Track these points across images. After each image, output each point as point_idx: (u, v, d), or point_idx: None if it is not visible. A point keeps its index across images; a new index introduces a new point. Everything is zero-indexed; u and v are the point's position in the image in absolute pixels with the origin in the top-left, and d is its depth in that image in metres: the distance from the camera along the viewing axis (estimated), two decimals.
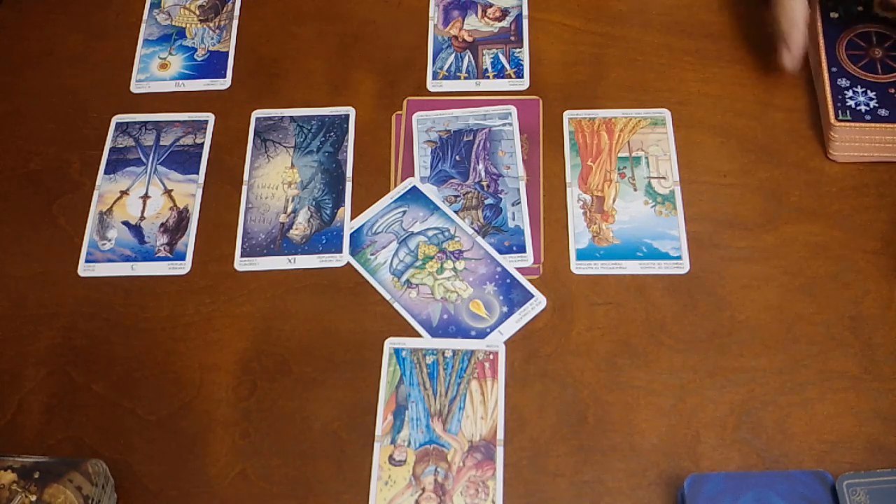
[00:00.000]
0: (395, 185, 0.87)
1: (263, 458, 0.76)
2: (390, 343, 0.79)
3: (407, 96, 0.92)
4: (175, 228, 0.86)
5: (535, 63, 0.93)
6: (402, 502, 0.73)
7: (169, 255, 0.85)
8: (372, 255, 0.84)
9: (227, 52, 0.96)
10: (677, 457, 0.74)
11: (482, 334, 0.79)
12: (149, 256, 0.85)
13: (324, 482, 0.74)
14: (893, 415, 0.74)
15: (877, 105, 0.84)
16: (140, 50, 0.97)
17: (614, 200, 0.85)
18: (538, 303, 0.80)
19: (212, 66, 0.95)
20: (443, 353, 0.78)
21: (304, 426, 0.77)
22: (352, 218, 0.86)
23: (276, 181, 0.88)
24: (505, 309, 0.80)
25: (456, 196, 0.86)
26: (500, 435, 0.75)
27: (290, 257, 0.84)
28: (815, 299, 0.79)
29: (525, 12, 0.96)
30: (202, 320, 0.82)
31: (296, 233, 0.85)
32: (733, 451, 0.73)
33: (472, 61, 0.93)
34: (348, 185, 0.87)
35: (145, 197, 0.88)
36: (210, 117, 0.92)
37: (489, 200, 0.85)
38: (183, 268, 0.84)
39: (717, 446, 0.74)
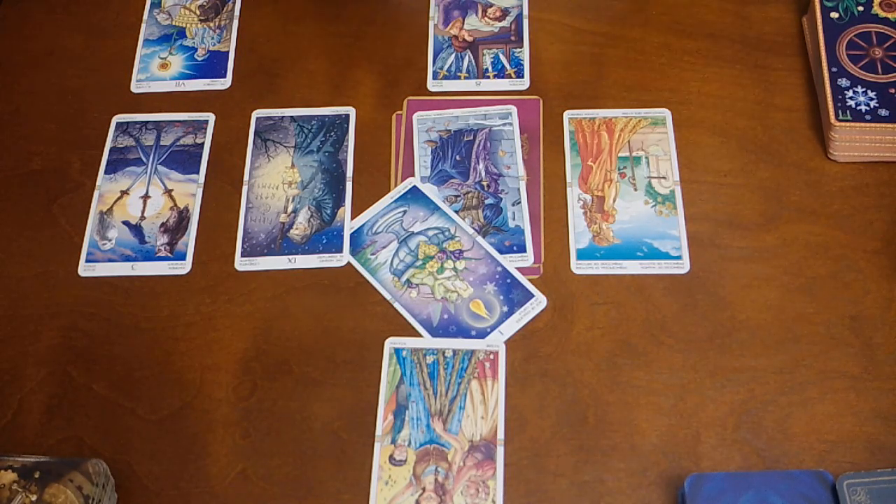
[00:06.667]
0: (396, 185, 0.87)
1: (263, 458, 0.76)
2: (390, 343, 0.79)
3: (407, 96, 0.92)
4: (175, 228, 0.86)
5: (535, 63, 0.93)
6: (403, 502, 0.73)
7: (169, 254, 0.85)
8: (372, 254, 0.84)
9: (227, 52, 0.96)
10: (678, 456, 0.74)
11: (482, 334, 0.79)
12: (149, 256, 0.85)
13: (324, 482, 0.74)
14: (893, 415, 0.74)
15: (877, 105, 0.84)
16: (140, 50, 0.97)
17: (615, 200, 0.85)
18: (538, 303, 0.80)
19: (212, 65, 0.95)
20: (443, 353, 0.78)
21: (305, 426, 0.77)
22: (352, 218, 0.86)
23: (276, 181, 0.88)
24: (505, 309, 0.80)
25: (456, 196, 0.86)
26: (501, 435, 0.75)
27: (290, 257, 0.84)
28: (815, 299, 0.79)
29: (525, 12, 0.96)
30: (202, 320, 0.82)
31: (296, 233, 0.85)
32: (734, 450, 0.74)
33: (473, 61, 0.93)
34: (348, 185, 0.87)
35: (146, 197, 0.88)
36: (210, 117, 0.92)
37: (489, 200, 0.85)
38: (183, 268, 0.84)
39: (717, 446, 0.74)
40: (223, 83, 0.94)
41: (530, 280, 0.81)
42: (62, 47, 0.97)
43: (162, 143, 0.91)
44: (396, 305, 0.81)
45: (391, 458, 0.74)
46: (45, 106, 0.94)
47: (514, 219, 0.84)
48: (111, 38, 0.98)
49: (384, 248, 0.84)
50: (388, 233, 0.85)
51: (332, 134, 0.90)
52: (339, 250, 0.84)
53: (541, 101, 0.91)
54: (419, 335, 0.79)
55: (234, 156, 0.90)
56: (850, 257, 0.81)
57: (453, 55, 0.94)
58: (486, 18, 0.96)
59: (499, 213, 0.85)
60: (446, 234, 0.84)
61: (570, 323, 0.80)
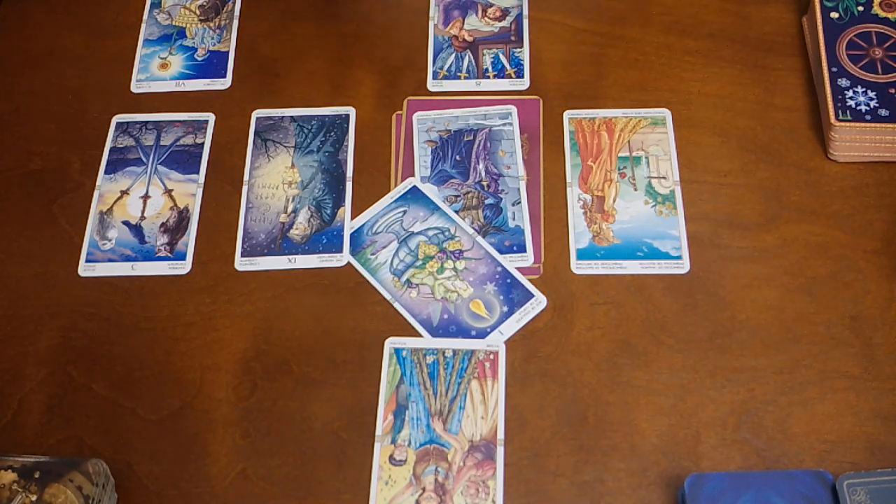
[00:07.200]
0: (396, 185, 0.87)
1: (263, 458, 0.76)
2: (390, 343, 0.79)
3: (407, 96, 0.92)
4: (175, 228, 0.86)
5: (535, 63, 0.93)
6: (403, 502, 0.73)
7: (169, 254, 0.85)
8: (372, 254, 0.84)
9: (227, 52, 0.96)
10: (678, 456, 0.74)
11: (482, 334, 0.79)
12: (149, 256, 0.85)
13: (324, 482, 0.74)
14: (893, 415, 0.74)
15: (877, 105, 0.84)
16: (140, 50, 0.97)
17: (614, 200, 0.85)
18: (538, 302, 0.80)
19: (212, 65, 0.95)
20: (443, 353, 0.78)
21: (305, 426, 0.77)
22: (352, 218, 0.86)
23: (276, 181, 0.88)
24: (505, 309, 0.80)
25: (456, 196, 0.86)
26: (501, 435, 0.75)
27: (290, 257, 0.84)
28: (815, 299, 0.79)
29: (525, 12, 0.96)
30: (202, 320, 0.82)
31: (296, 232, 0.85)
32: (734, 450, 0.74)
33: (473, 61, 0.93)
34: (348, 185, 0.87)
35: (146, 197, 0.88)
36: (210, 117, 0.92)
37: (489, 200, 0.85)
38: (183, 268, 0.84)
39: (717, 446, 0.74)
40: (223, 83, 0.94)
41: (530, 280, 0.81)
42: (62, 47, 0.97)
43: (162, 143, 0.91)
44: (396, 305, 0.81)
45: (391, 458, 0.74)
46: (45, 106, 0.94)
47: (514, 219, 0.84)
48: (111, 38, 0.98)
49: (384, 248, 0.84)
50: (388, 233, 0.85)
51: (332, 134, 0.90)
52: (339, 250, 0.84)
53: (541, 101, 0.91)
54: (419, 335, 0.79)
55: (234, 156, 0.90)
56: (850, 257, 0.81)
57: (453, 55, 0.94)
58: (486, 18, 0.96)
59: (499, 213, 0.85)
60: (446, 234, 0.84)
61: (570, 323, 0.80)
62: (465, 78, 0.92)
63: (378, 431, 0.76)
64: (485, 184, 0.86)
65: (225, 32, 0.97)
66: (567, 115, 0.90)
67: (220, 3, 0.99)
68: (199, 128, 0.91)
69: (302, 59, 0.95)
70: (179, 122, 0.92)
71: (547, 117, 0.90)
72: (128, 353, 0.80)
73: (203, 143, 0.90)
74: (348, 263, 0.84)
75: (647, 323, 0.79)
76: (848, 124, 0.83)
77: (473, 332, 0.79)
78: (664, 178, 0.86)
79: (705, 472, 0.72)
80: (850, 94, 0.84)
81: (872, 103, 0.84)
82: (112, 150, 0.91)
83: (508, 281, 0.81)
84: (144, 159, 0.90)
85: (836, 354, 0.77)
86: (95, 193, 0.88)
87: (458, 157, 0.88)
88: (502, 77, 0.92)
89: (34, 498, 0.68)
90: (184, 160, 0.90)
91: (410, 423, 0.75)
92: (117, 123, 0.92)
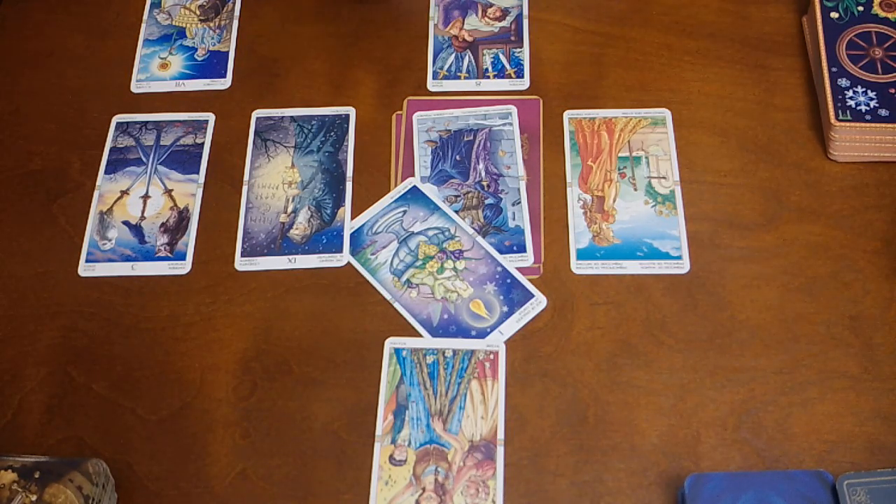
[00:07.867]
0: (396, 185, 0.87)
1: (263, 458, 0.76)
2: (390, 343, 0.79)
3: (407, 96, 0.92)
4: (175, 228, 0.86)
5: (535, 63, 0.93)
6: (403, 502, 0.73)
7: (169, 254, 0.85)
8: (372, 254, 0.84)
9: (227, 52, 0.96)
10: (677, 456, 0.74)
11: (482, 334, 0.79)
12: (149, 256, 0.85)
13: (324, 482, 0.74)
14: (893, 415, 0.74)
15: (877, 105, 0.84)
16: (140, 50, 0.97)
17: (614, 200, 0.85)
18: (538, 302, 0.80)
19: (212, 65, 0.95)
20: (443, 353, 0.78)
21: (305, 426, 0.77)
22: (352, 218, 0.86)
23: (276, 181, 0.88)
24: (505, 309, 0.80)
25: (456, 196, 0.86)
26: (501, 434, 0.75)
27: (290, 257, 0.84)
28: (815, 299, 0.79)
29: (525, 12, 0.96)
30: (202, 320, 0.82)
31: (296, 233, 0.85)
32: (734, 450, 0.74)
33: (473, 61, 0.93)
34: (348, 185, 0.87)
35: (146, 197, 0.88)
36: (210, 117, 0.92)
37: (489, 200, 0.85)
38: (183, 268, 0.84)
39: (717, 446, 0.74)
40: (223, 83, 0.94)
41: (530, 280, 0.81)
42: (62, 47, 0.97)
43: (162, 143, 0.91)
44: (396, 305, 0.81)
45: (391, 458, 0.74)
46: (45, 106, 0.94)
47: (514, 219, 0.84)
48: (111, 38, 0.98)
49: (384, 248, 0.84)
50: (388, 233, 0.85)
51: (332, 134, 0.90)
52: (339, 250, 0.84)
53: (541, 101, 0.91)
54: (419, 335, 0.80)
55: (234, 156, 0.90)
56: (850, 257, 0.81)
57: (453, 55, 0.94)
58: (486, 18, 0.96)
59: (499, 213, 0.85)
60: (446, 234, 0.84)
61: (570, 323, 0.80)
62: (465, 78, 0.92)
63: (378, 431, 0.76)
64: (485, 184, 0.86)
65: (225, 32, 0.97)
66: (567, 115, 0.90)
67: (220, 3, 0.99)
68: (199, 128, 0.91)
69: (302, 59, 0.95)
70: (179, 122, 0.92)
71: (547, 117, 0.90)
72: (128, 353, 0.80)
73: (203, 143, 0.90)
74: (348, 263, 0.84)
75: (647, 323, 0.79)
76: (848, 124, 0.83)
77: (473, 332, 0.79)
78: (664, 178, 0.86)
79: (705, 472, 0.72)
80: (850, 94, 0.84)
81: (872, 103, 0.84)
82: (112, 150, 0.91)
83: (508, 281, 0.81)
84: (144, 159, 0.90)
85: (836, 354, 0.77)
86: (95, 193, 0.88)
87: (458, 157, 0.88)
88: (502, 77, 0.92)
89: (34, 498, 0.68)
90: (184, 160, 0.90)
91: (410, 423, 0.76)
92: (117, 123, 0.92)
